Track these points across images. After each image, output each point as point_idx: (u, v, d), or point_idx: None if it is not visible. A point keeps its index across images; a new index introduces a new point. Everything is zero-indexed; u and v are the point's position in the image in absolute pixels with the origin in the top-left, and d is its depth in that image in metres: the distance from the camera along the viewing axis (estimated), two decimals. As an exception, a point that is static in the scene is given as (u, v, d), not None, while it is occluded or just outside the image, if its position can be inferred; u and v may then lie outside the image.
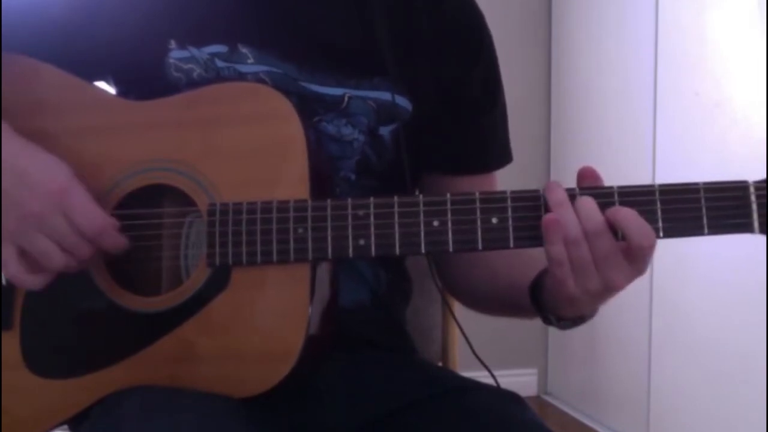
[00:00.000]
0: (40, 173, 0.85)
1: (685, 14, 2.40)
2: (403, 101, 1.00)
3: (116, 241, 0.87)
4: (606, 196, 0.81)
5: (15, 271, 0.86)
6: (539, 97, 3.21)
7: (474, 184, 1.05)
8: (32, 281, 0.86)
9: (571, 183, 0.84)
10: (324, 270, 0.89)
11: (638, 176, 2.54)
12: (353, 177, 1.00)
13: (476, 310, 1.09)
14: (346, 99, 0.98)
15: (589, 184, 0.83)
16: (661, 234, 0.80)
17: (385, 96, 0.99)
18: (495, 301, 1.05)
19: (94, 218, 0.85)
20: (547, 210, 0.81)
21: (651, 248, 0.79)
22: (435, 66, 1.03)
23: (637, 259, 0.80)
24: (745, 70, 2.15)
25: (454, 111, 1.04)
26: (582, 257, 0.80)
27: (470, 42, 1.06)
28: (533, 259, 0.91)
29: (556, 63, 3.19)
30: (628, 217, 0.79)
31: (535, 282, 0.90)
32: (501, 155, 1.09)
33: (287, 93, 0.90)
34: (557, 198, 0.81)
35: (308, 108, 0.96)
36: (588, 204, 0.80)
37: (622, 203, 0.81)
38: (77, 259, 0.86)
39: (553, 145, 3.21)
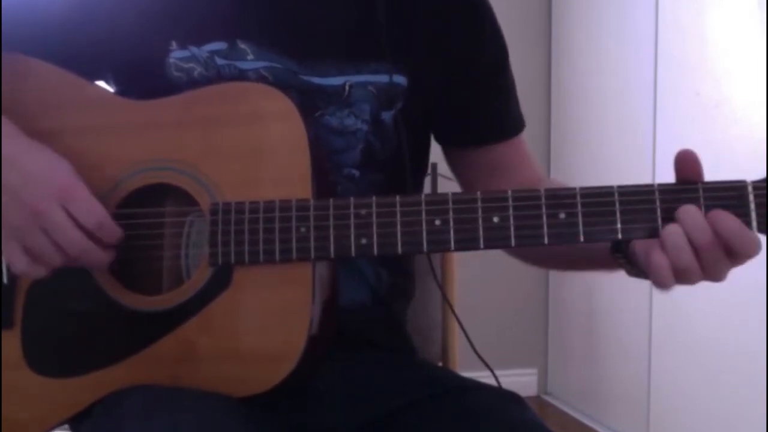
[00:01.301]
0: (43, 171, 0.86)
1: (685, 14, 2.40)
2: (399, 79, 1.00)
3: (113, 232, 0.87)
4: (605, 196, 0.81)
5: (22, 265, 0.86)
6: (539, 97, 3.21)
7: (504, 152, 1.08)
8: (35, 270, 0.87)
9: (571, 183, 0.84)
10: (325, 270, 0.89)
11: (638, 176, 2.54)
12: (357, 174, 1.00)
13: (537, 266, 1.12)
14: (347, 88, 0.98)
15: (688, 172, 0.81)
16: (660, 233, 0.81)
17: (383, 78, 0.99)
18: (563, 261, 1.09)
19: (94, 210, 0.85)
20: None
21: (755, 254, 0.79)
22: (439, 40, 1.03)
23: (740, 261, 0.80)
24: (745, 70, 2.15)
25: (465, 81, 1.05)
26: (691, 270, 0.80)
27: (473, 11, 1.06)
28: None
29: (556, 63, 3.20)
30: (733, 228, 0.78)
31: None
32: (518, 119, 1.11)
33: (288, 87, 0.91)
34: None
35: (310, 102, 0.96)
36: (697, 216, 0.79)
37: (622, 203, 0.81)
38: (73, 255, 0.86)
39: (553, 145, 3.21)
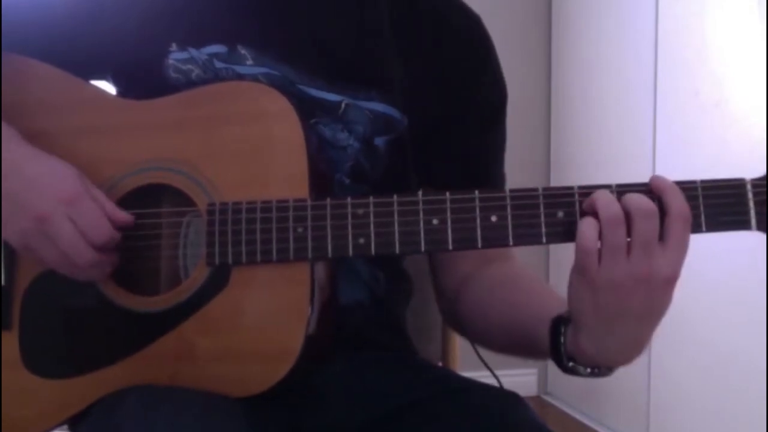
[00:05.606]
0: (49, 179, 0.85)
1: (685, 14, 2.40)
2: (399, 115, 0.99)
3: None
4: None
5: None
6: (539, 97, 3.21)
7: None
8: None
9: (571, 182, 0.84)
10: (323, 270, 0.89)
11: (638, 176, 2.53)
12: (347, 182, 1.00)
13: (479, 344, 1.03)
14: (343, 106, 0.98)
15: None
16: None
17: (380, 108, 0.98)
18: (501, 337, 0.99)
19: (102, 228, 0.85)
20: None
21: (687, 222, 0.78)
22: (438, 82, 1.02)
23: (671, 240, 0.78)
24: (745, 70, 2.15)
25: (456, 127, 1.03)
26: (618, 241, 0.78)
27: (475, 60, 1.05)
28: (550, 298, 0.90)
29: (556, 63, 3.19)
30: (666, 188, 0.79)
31: (557, 321, 0.87)
32: (499, 178, 1.08)
33: (285, 95, 0.90)
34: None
35: (306, 109, 0.95)
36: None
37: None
38: (76, 266, 0.85)
39: (553, 145, 3.21)
